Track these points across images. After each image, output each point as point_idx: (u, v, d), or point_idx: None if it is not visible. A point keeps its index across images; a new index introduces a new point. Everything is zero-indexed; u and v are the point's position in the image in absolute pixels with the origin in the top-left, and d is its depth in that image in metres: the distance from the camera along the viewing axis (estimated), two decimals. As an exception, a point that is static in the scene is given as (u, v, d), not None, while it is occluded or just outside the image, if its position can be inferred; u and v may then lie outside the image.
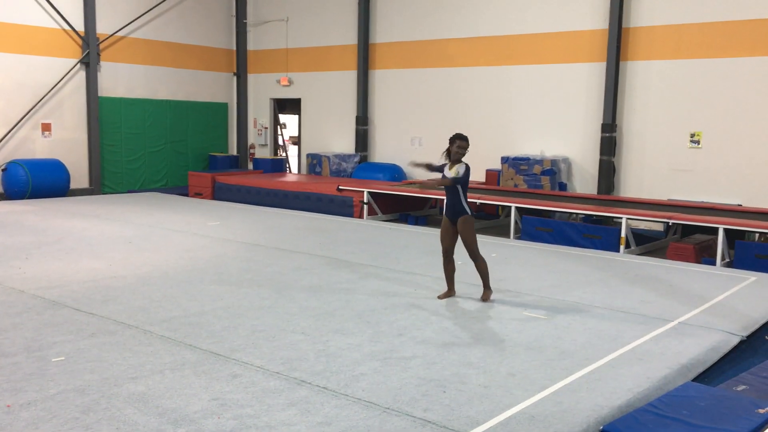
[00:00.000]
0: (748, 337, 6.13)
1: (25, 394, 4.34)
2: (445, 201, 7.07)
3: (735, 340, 5.94)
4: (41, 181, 14.93)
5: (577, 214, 11.61)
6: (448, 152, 7.00)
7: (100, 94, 16.60)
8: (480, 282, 7.11)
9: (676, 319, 6.43)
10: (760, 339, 6.29)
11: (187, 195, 16.22)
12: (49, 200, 14.26)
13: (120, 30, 16.90)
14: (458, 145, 6.92)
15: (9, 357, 5.00)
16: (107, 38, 16.67)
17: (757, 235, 10.28)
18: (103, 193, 16.49)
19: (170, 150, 18.29)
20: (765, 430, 3.42)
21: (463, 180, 6.88)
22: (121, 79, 17.13)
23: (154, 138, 17.89)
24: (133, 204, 14.01)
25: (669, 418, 4.07)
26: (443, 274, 7.24)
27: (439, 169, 7.09)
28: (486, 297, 6.98)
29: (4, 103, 15.13)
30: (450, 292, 7.14)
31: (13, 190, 14.73)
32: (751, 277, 8.40)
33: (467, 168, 6.92)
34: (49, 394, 4.33)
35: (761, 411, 4.11)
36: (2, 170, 14.89)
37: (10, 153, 15.24)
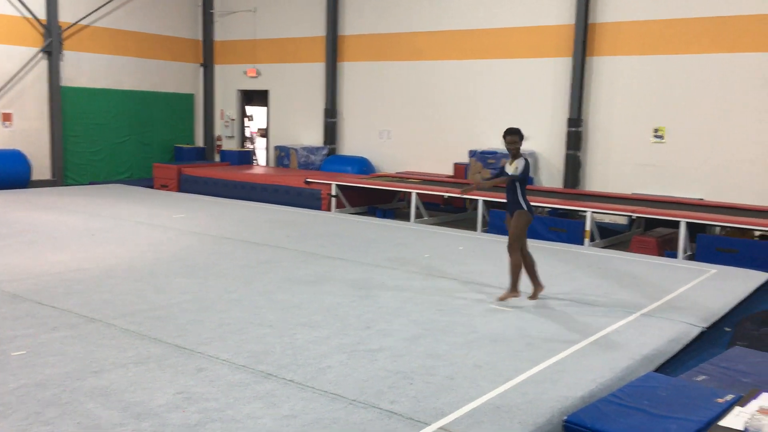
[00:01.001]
0: (708, 328, 6.26)
1: (-16, 389, 4.25)
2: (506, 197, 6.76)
3: (695, 332, 6.06)
4: (0, 173, 14.58)
5: (543, 207, 11.73)
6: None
7: (62, 84, 16.26)
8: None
9: (639, 311, 6.54)
10: (720, 330, 6.43)
11: (152, 187, 15.99)
12: (8, 192, 13.93)
13: (83, 19, 16.56)
14: (507, 140, 6.60)
15: (-33, 352, 4.89)
16: (70, 27, 16.32)
17: (718, 228, 10.50)
18: (66, 185, 16.17)
19: (135, 141, 18.00)
20: (723, 418, 3.50)
21: (521, 177, 6.55)
22: (84, 69, 16.79)
23: (119, 129, 17.59)
24: (97, 196, 13.77)
25: (631, 408, 4.14)
26: (410, 267, 7.25)
27: (501, 170, 6.80)
28: (504, 297, 6.66)
29: (-38, 91, 14.74)
30: (536, 289, 6.78)
31: (-28, 182, 14.38)
32: (711, 270, 8.58)
33: (525, 163, 6.54)
34: (9, 389, 4.24)
35: (720, 400, 4.20)
36: (-40, 161, 14.53)
37: (-32, 143, 14.87)
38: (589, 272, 8.23)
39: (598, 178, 13.44)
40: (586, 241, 10.44)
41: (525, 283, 6.87)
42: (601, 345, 5.50)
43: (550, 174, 13.96)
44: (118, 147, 17.61)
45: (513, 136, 6.61)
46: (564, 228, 10.82)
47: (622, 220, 12.35)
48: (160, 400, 4.17)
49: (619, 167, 13.15)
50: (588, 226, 10.46)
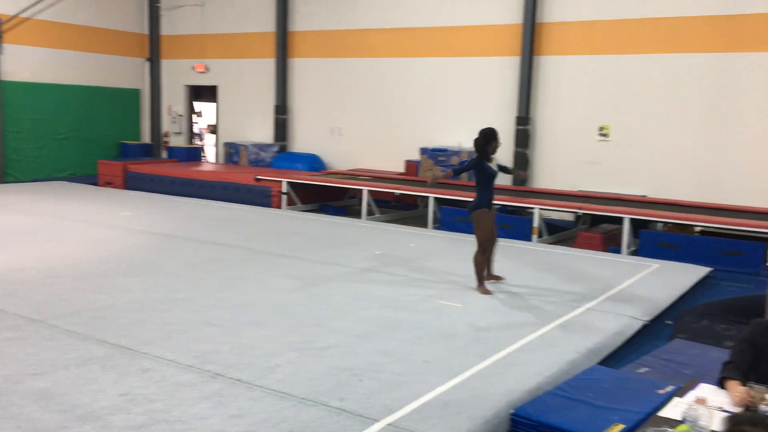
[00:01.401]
0: (651, 321, 6.44)
1: None
2: None
3: (638, 325, 6.22)
4: (-64, 169, 14.03)
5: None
6: None
7: (2, 78, 15.70)
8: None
9: (584, 305, 6.67)
10: (661, 323, 6.61)
11: (96, 184, 15.60)
12: (-56, 189, 13.43)
13: (24, 11, 16.02)
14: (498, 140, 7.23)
15: None
16: (10, 19, 15.77)
17: (660, 224, 10.79)
18: (6, 183, 15.63)
19: (79, 137, 17.51)
20: (663, 409, 3.60)
21: (458, 169, 7.19)
22: (25, 63, 16.25)
23: (62, 125, 17.08)
24: (39, 194, 13.37)
25: (576, 401, 4.22)
26: (361, 264, 7.26)
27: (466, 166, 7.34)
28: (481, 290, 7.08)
29: None
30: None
31: None
32: (654, 265, 8.82)
33: (469, 159, 7.12)
34: (-58, 394, 4.09)
35: (660, 392, 4.31)
36: None
37: None
38: (536, 268, 8.36)
39: (546, 175, 13.66)
40: (534, 237, 10.60)
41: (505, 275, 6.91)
42: (547, 339, 5.60)
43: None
44: (61, 143, 17.11)
45: (479, 136, 7.25)
46: (512, 224, 10.96)
47: (569, 217, 12.58)
48: (103, 402, 4.07)
49: (566, 165, 13.39)
50: (536, 223, 10.63)
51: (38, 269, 7.29)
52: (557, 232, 11.42)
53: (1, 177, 15.75)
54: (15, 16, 15.86)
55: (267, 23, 17.01)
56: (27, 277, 6.95)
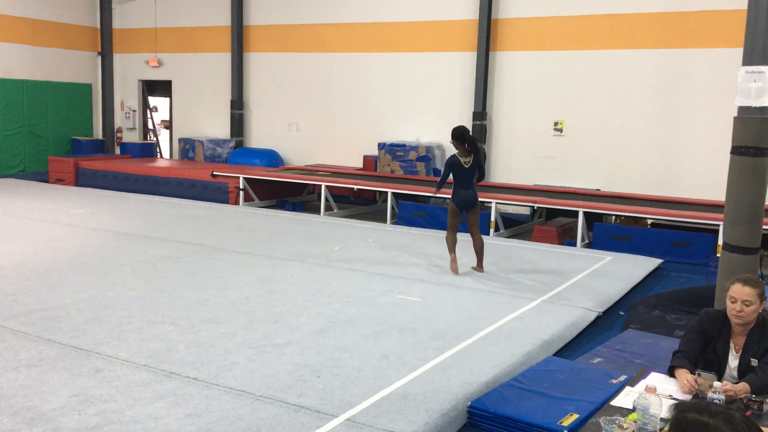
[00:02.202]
0: (604, 312, 6.57)
1: None
2: None
3: (592, 316, 6.35)
4: None
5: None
6: None
7: (-55, 72, 15.21)
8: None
9: (540, 298, 6.77)
10: (615, 314, 6.75)
11: (47, 181, 15.21)
12: None
13: (-32, 2, 15.55)
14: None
15: None
16: (-47, 10, 15.29)
17: (613, 217, 11.00)
18: (-49, 180, 15.16)
19: (28, 133, 17.04)
20: (616, 398, 3.68)
21: (439, 182, 8.00)
22: (-30, 56, 15.76)
23: (10, 120, 16.60)
24: (-14, 191, 12.99)
25: (531, 392, 4.28)
26: (320, 260, 7.24)
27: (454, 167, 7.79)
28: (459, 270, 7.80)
29: None
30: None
31: None
32: (607, 257, 9.00)
33: (446, 161, 7.80)
34: None
35: (614, 381, 4.41)
36: None
37: None
38: (493, 261, 8.45)
39: (503, 169, 13.80)
40: (491, 230, 10.71)
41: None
42: (504, 331, 5.66)
43: (457, 166, 14.20)
44: (9, 139, 16.62)
45: (451, 137, 7.71)
46: (470, 219, 11.03)
47: (525, 211, 12.74)
48: (53, 403, 3.98)
49: (522, 159, 13.56)
50: (493, 217, 10.74)
51: (-14, 269, 7.08)
52: (514, 226, 11.56)
53: (-54, 174, 15.25)
54: (-41, 8, 15.36)
55: (222, 17, 16.79)
56: (-26, 277, 6.75)
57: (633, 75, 12.33)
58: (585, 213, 10.07)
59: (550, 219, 11.80)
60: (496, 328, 5.75)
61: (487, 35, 13.43)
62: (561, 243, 10.20)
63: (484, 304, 6.49)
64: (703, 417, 1.74)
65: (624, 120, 12.47)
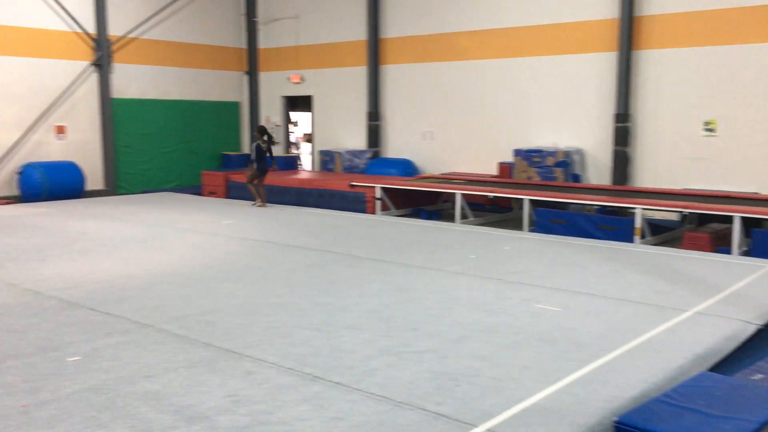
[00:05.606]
0: (765, 325, 6.07)
1: (41, 394, 4.38)
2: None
3: (751, 329, 5.88)
4: (56, 183, 15.07)
5: (591, 205, 11.54)
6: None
7: (112, 96, 16.72)
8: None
9: (692, 309, 6.37)
10: (778, 327, 6.22)
11: (200, 194, 16.29)
12: (64, 202, 14.38)
13: (131, 31, 17.00)
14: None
15: (25, 357, 5.05)
16: (119, 40, 16.77)
17: (774, 222, 10.16)
18: (119, 194, 16.60)
19: (183, 150, 18.38)
20: (782, 418, 3.40)
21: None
22: (133, 81, 17.24)
23: (167, 138, 17.99)
24: (147, 204, 14.10)
25: (684, 408, 4.03)
26: (456, 268, 7.20)
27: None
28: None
29: (18, 106, 15.27)
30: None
31: (29, 193, 14.88)
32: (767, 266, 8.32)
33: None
34: (65, 394, 4.37)
35: (778, 400, 4.07)
36: (18, 173, 15.05)
37: (25, 156, 15.39)
38: (639, 270, 8.06)
39: (648, 173, 13.16)
40: (636, 238, 10.23)
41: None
42: (653, 344, 5.38)
43: (598, 170, 13.73)
44: (167, 156, 18.01)
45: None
46: (613, 226, 10.62)
47: (674, 217, 12.06)
48: (210, 403, 4.24)
49: (669, 162, 12.86)
50: (638, 223, 10.25)
51: (148, 276, 7.68)
52: (661, 233, 10.97)
53: (114, 189, 16.73)
54: (123, 37, 16.83)
55: (358, 31, 17.27)
56: (138, 283, 7.34)
57: (795, 68, 11.36)
58: (742, 218, 9.38)
59: (702, 225, 11.08)
60: (644, 340, 5.47)
61: (628, 34, 12.89)
62: (714, 250, 9.55)
63: (630, 315, 6.20)
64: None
65: (785, 117, 11.50)
